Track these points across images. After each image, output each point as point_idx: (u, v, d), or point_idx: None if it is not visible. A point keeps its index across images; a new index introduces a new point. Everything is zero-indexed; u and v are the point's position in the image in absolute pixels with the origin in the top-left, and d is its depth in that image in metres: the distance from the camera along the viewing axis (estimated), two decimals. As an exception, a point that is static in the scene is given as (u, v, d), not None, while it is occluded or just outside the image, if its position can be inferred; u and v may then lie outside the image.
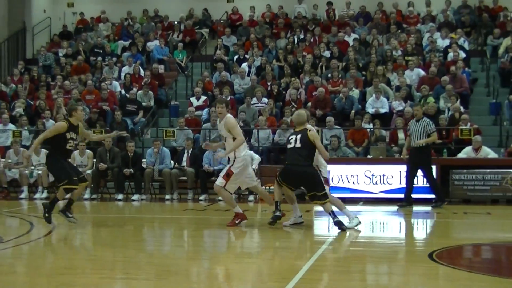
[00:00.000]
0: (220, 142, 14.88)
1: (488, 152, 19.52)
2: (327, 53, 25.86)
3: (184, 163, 20.01)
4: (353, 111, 22.01)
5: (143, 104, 23.63)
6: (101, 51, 28.16)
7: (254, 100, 23.05)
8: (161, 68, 26.38)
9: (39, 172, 20.04)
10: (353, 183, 18.50)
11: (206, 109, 22.74)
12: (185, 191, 19.93)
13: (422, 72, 23.61)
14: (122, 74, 25.98)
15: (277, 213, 13.70)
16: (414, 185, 17.92)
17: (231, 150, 13.32)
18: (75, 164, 17.45)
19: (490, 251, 11.56)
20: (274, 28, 28.84)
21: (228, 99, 22.58)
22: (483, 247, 11.73)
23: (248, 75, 25.08)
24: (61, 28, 31.54)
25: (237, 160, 13.32)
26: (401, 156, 18.02)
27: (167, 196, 19.72)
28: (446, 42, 25.72)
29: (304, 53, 25.72)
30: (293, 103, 22.66)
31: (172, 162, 20.18)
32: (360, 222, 13.43)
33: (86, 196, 19.75)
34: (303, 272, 8.82)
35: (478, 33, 27.45)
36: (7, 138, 22.20)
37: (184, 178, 19.89)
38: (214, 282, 8.80)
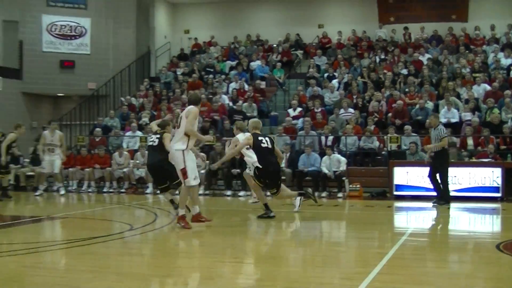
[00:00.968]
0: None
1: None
2: (404, 71, 25.52)
3: (283, 165, 20.00)
4: (427, 121, 21.69)
5: (248, 114, 23.72)
6: (212, 70, 28.44)
7: (342, 111, 22.90)
8: (262, 84, 26.46)
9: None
10: (429, 183, 18.22)
11: (301, 119, 22.68)
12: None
13: (488, 87, 23.09)
14: (230, 89, 26.19)
15: (271, 214, 13.71)
16: (479, 185, 17.68)
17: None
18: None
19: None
20: (358, 50, 28.60)
21: (319, 110, 22.61)
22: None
23: (337, 89, 24.96)
24: (179, 51, 31.99)
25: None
26: (425, 160, 17.50)
27: (268, 193, 19.72)
28: (509, 61, 25.14)
29: (385, 71, 25.46)
30: (375, 114, 22.45)
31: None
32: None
33: (201, 192, 19.96)
34: (386, 259, 8.75)
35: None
36: (136, 143, 22.62)
37: (283, 177, 19.88)
38: (309, 266, 8.79)
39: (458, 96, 23.01)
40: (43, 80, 28.57)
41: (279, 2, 32.18)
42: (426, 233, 12.57)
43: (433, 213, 15.44)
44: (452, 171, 17.27)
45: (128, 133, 23.40)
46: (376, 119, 21.98)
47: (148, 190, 20.34)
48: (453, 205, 16.34)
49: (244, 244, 10.74)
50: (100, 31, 29.54)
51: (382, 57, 27.70)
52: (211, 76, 27.74)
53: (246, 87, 25.97)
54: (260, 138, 13.46)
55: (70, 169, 21.56)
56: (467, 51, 26.41)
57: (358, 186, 19.19)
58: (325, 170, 19.40)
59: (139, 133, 22.86)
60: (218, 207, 17.37)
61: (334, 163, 19.51)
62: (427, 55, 26.67)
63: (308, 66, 27.63)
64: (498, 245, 9.95)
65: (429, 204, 16.37)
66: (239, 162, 19.57)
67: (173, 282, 7.54)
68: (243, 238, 11.48)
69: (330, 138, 21.17)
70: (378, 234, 12.28)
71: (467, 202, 17.45)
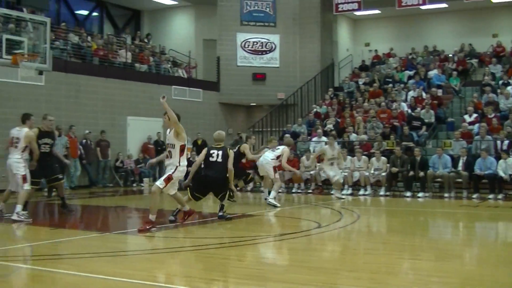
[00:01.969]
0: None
1: None
2: None
3: (459, 168, 19.51)
4: None
5: (425, 120, 23.31)
6: (391, 80, 28.20)
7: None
8: (439, 92, 25.88)
9: (345, 173, 20.47)
10: None
11: (476, 124, 21.98)
12: (460, 191, 19.39)
13: None
14: (408, 97, 25.83)
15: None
16: None
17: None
18: None
19: None
20: (534, 57, 27.38)
21: (494, 116, 21.81)
22: None
23: (512, 96, 24.01)
24: (360, 62, 32.03)
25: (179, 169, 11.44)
26: None
27: (446, 194, 19.34)
28: None
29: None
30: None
31: (450, 167, 19.75)
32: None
33: (381, 193, 19.86)
34: None
35: None
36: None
37: (460, 180, 19.39)
38: (484, 265, 8.57)
39: None
40: (238, 91, 29.60)
41: (454, 14, 31.48)
42: None
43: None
44: None
45: (314, 139, 23.71)
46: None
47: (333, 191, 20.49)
48: None
49: (422, 243, 10.63)
50: (288, 46, 30.16)
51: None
52: (390, 85, 27.49)
53: (424, 95, 25.51)
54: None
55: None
56: None
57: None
58: (501, 173, 18.71)
59: (324, 138, 23.06)
60: (398, 207, 17.21)
61: (510, 166, 18.78)
62: None
63: (483, 74, 26.73)
64: None
65: None
66: (420, 165, 19.32)
67: (359, 277, 7.61)
68: (422, 237, 11.36)
69: (506, 142, 20.37)
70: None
71: None
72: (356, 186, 20.80)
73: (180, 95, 27.21)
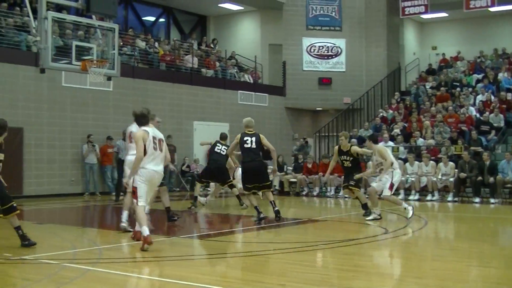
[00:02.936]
0: None
1: None
2: None
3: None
4: None
5: (494, 125, 22.84)
6: (458, 84, 27.72)
7: None
8: (508, 96, 25.32)
9: (412, 178, 20.23)
10: None
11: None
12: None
13: None
14: (477, 101, 25.36)
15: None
16: None
17: None
18: None
19: None
20: None
21: None
22: None
23: None
24: (427, 66, 31.60)
25: None
26: None
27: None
28: None
29: None
30: None
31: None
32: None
33: (449, 199, 19.52)
34: None
35: None
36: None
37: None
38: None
39: None
40: (304, 96, 29.58)
41: (525, 16, 30.76)
42: None
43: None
44: None
45: (381, 144, 23.40)
46: None
47: (400, 196, 20.22)
48: None
49: (491, 250, 10.40)
50: (354, 50, 30.01)
51: None
52: (458, 89, 27.04)
53: (493, 98, 24.99)
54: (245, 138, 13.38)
55: (331, 176, 21.93)
56: None
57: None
58: None
59: (390, 143, 22.81)
60: (466, 213, 16.91)
61: None
62: None
63: None
64: None
65: None
66: (489, 170, 18.94)
67: (427, 284, 7.49)
68: (490, 244, 11.12)
69: None
70: None
71: None
72: (423, 191, 20.50)
73: (246, 100, 27.38)
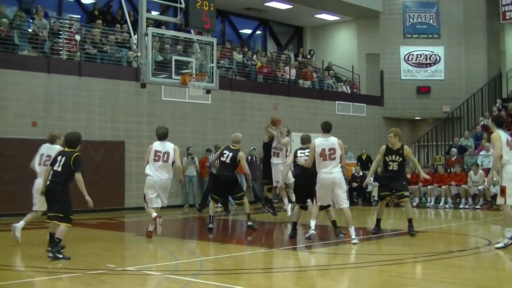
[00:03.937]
0: None
1: None
2: None
3: None
4: None
5: None
6: None
7: None
8: None
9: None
10: None
11: None
12: None
13: None
14: None
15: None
16: None
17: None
18: None
19: None
20: None
21: None
22: None
23: None
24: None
25: None
26: None
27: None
28: None
29: None
30: None
31: None
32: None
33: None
34: None
35: None
36: (490, 162, 21.88)
37: None
38: None
39: None
40: (402, 105, 29.25)
41: None
42: None
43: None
44: None
45: (481, 152, 22.85)
46: None
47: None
48: None
49: None
50: (452, 57, 29.46)
51: None
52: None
53: None
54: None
55: (429, 186, 21.53)
56: None
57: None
58: None
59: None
60: None
61: None
62: None
63: None
64: None
65: None
66: None
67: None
68: None
69: None
70: None
71: None
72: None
73: (344, 110, 27.27)
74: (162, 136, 12.70)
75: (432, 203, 21.40)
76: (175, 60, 14.47)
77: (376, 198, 22.33)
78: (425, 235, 13.67)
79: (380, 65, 29.65)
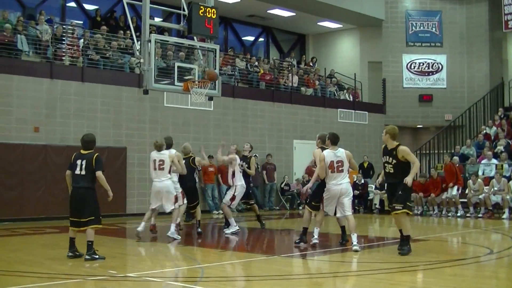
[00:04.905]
0: None
1: None
2: None
3: None
4: None
5: None
6: None
7: None
8: None
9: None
10: None
11: None
12: None
13: None
14: None
15: None
16: None
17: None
18: None
19: None
20: None
21: None
22: None
23: None
24: None
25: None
26: None
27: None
28: None
29: None
30: None
31: None
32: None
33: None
34: None
35: None
36: (491, 170, 21.96)
37: None
38: None
39: None
40: (404, 113, 29.34)
41: None
42: None
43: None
44: None
45: (483, 161, 22.84)
46: None
47: (505, 216, 19.58)
48: None
49: None
50: (455, 66, 29.54)
51: None
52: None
53: None
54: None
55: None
56: None
57: None
58: None
59: (494, 160, 22.19)
60: None
61: None
62: None
63: None
64: None
65: None
66: None
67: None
68: None
69: None
70: None
71: None
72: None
73: (346, 118, 27.29)
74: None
75: (436, 211, 21.28)
76: (178, 67, 14.52)
77: (377, 206, 22.41)
78: (427, 243, 13.66)
79: (382, 73, 29.69)
